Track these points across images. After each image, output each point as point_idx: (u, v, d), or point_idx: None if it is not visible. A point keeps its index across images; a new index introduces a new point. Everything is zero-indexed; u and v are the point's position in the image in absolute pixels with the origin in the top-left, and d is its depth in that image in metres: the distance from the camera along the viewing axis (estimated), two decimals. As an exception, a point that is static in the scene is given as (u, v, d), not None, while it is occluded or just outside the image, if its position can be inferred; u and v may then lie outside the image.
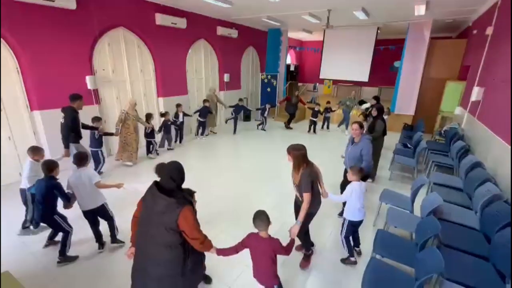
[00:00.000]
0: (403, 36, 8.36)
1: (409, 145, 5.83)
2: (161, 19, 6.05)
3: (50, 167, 2.62)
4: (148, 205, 1.72)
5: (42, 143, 4.68)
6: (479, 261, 2.30)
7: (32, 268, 2.73)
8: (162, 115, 6.13)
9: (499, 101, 3.97)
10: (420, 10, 5.93)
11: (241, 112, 8.05)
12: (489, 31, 4.92)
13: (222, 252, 2.03)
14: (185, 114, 6.66)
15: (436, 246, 2.48)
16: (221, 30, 7.89)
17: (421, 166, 5.57)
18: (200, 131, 7.27)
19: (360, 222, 2.75)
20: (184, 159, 5.05)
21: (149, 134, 5.72)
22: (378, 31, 8.86)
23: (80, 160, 2.77)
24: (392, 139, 6.96)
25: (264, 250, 1.98)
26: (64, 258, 2.78)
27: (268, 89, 9.84)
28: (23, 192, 3.12)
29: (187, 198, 1.77)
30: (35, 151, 3.09)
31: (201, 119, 7.08)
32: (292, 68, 12.82)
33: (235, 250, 2.06)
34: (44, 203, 2.62)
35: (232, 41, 8.57)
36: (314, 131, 8.26)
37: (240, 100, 8.03)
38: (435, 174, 4.09)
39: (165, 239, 1.67)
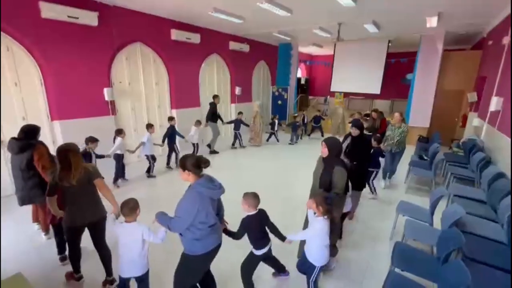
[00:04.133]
0: (414, 49, 8.34)
1: (425, 157, 5.64)
2: (176, 34, 6.31)
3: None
4: None
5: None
6: (508, 277, 2.12)
7: (42, 271, 2.75)
8: (294, 117, 8.34)
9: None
10: (432, 22, 5.92)
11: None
12: (506, 40, 4.83)
13: None
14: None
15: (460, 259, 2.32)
16: (233, 45, 8.13)
17: (439, 178, 5.35)
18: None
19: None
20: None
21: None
22: (389, 44, 8.88)
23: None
24: (406, 152, 6.74)
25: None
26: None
27: (279, 102, 9.92)
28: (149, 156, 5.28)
29: None
30: (150, 127, 5.26)
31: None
32: (302, 81, 12.92)
33: None
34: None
35: (243, 55, 8.79)
36: None
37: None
38: (455, 185, 3.90)
39: None
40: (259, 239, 2.30)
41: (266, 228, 2.33)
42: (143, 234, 2.07)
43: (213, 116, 6.94)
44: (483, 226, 2.81)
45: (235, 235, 2.25)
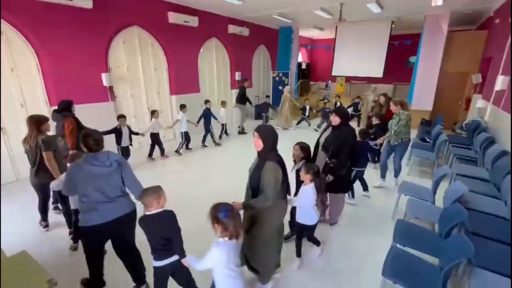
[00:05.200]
0: (418, 30, 8.12)
1: (427, 139, 5.60)
2: (173, 17, 6.14)
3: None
4: None
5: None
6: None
7: (47, 250, 2.82)
8: (324, 103, 8.50)
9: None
10: (437, 0, 5.71)
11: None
12: (514, 17, 4.68)
13: None
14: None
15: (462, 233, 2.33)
16: (232, 28, 7.93)
17: (441, 161, 5.32)
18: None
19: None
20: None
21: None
22: (393, 26, 8.65)
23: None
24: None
25: None
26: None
27: (280, 87, 9.77)
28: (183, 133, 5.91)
29: None
30: (183, 107, 5.83)
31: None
32: (303, 66, 12.71)
33: None
34: None
35: (243, 39, 8.60)
36: None
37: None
38: (458, 165, 3.88)
39: None
40: (156, 247, 1.84)
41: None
42: None
43: (242, 98, 7.50)
44: (486, 203, 2.80)
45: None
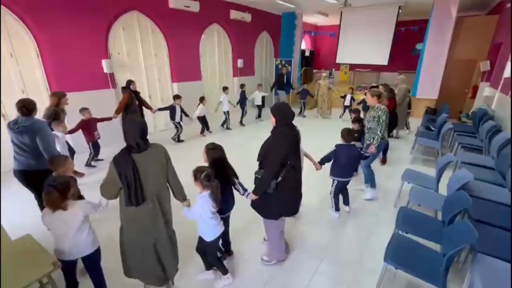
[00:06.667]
0: (426, 16, 7.86)
1: (432, 128, 5.53)
2: (174, 2, 5.99)
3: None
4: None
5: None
6: (515, 237, 2.11)
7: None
8: (365, 93, 7.73)
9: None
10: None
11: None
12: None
13: None
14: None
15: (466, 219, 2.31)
16: (234, 14, 7.74)
17: (446, 150, 5.27)
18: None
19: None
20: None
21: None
22: (400, 11, 8.38)
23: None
24: (412, 124, 6.66)
25: None
26: None
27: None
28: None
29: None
30: (226, 89, 6.57)
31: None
32: (307, 54, 12.47)
33: None
34: None
35: (245, 26, 8.40)
36: None
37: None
38: (463, 153, 3.83)
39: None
40: None
41: None
42: None
43: (281, 84, 8.13)
44: (491, 190, 2.77)
45: None
